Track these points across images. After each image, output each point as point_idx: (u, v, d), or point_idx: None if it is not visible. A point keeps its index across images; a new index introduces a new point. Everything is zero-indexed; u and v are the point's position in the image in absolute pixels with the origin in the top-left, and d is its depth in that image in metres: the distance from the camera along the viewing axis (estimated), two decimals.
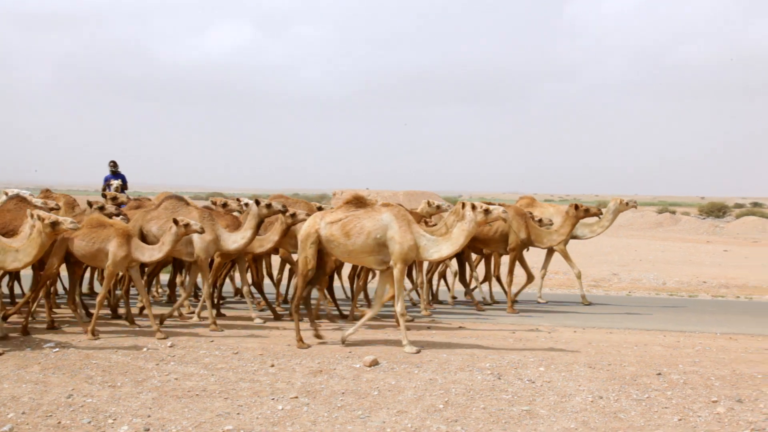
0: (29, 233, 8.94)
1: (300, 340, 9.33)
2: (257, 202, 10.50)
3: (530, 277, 13.41)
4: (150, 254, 9.84)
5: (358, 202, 9.55)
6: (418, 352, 8.96)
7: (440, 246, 9.22)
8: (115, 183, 16.23)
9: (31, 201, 10.85)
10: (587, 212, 13.13)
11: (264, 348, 9.15)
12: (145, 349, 8.86)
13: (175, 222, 9.73)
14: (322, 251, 9.55)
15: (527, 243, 13.13)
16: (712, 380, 7.85)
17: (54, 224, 8.36)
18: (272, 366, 8.18)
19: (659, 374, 8.06)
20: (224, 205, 12.59)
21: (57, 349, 8.74)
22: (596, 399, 7.11)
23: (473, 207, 9.13)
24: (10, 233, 9.38)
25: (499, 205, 9.60)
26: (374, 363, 8.33)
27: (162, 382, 7.48)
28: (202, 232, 9.89)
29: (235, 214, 12.24)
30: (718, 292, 16.56)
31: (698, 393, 7.35)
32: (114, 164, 17.45)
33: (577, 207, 13.03)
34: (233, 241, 10.62)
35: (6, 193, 11.66)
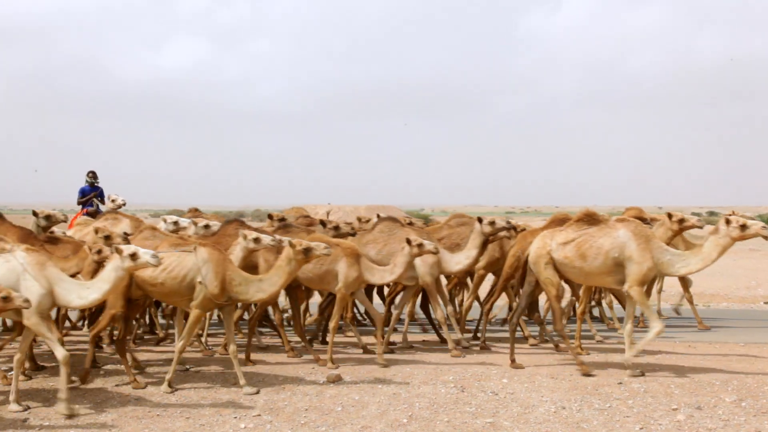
0: (241, 255, 8.61)
1: (513, 360, 9.01)
2: (480, 220, 9.77)
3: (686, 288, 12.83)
4: (381, 276, 9.31)
5: (591, 219, 8.94)
6: (642, 374, 8.48)
7: (688, 260, 8.59)
8: (119, 199, 13.52)
9: (250, 225, 10.29)
10: (743, 228, 11.56)
11: (226, 365, 9.03)
12: (102, 371, 8.69)
13: (408, 242, 9.13)
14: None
15: None
16: (672, 388, 7.95)
17: (306, 251, 7.79)
18: (234, 384, 8.08)
19: (620, 383, 8.14)
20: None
21: (11, 373, 8.50)
22: (559, 409, 7.15)
23: (727, 221, 8.39)
24: None
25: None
26: (337, 379, 8.29)
27: (122, 403, 7.35)
28: (436, 252, 9.28)
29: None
30: (676, 301, 16.80)
31: (659, 401, 7.44)
32: (93, 175, 15.41)
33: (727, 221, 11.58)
34: (456, 262, 9.90)
35: (165, 220, 10.88)
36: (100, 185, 15.44)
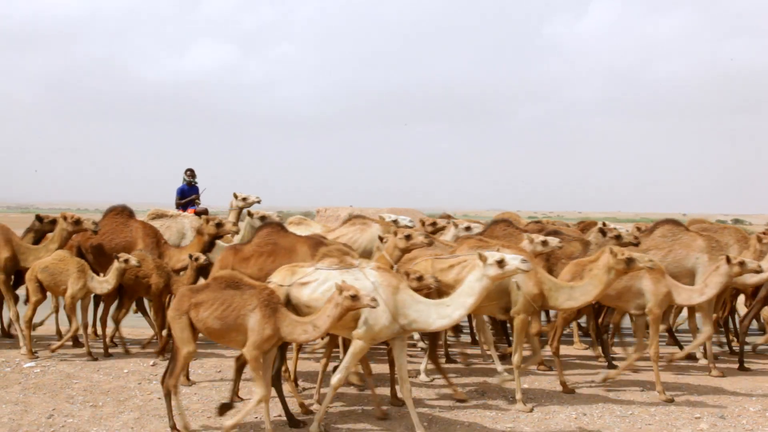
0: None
1: None
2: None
3: None
4: (688, 296, 8.04)
5: None
6: None
7: None
8: (252, 197, 11.77)
9: (519, 225, 9.75)
10: None
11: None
12: (126, 370, 8.75)
13: (728, 260, 7.82)
14: None
15: None
16: (696, 396, 7.88)
17: (629, 261, 6.94)
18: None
19: (642, 390, 8.08)
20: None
21: (38, 370, 8.63)
22: (580, 416, 7.11)
23: None
24: None
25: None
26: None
27: (144, 402, 7.41)
28: (760, 271, 7.92)
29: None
30: None
31: (681, 409, 7.37)
32: (191, 173, 14.32)
33: None
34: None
35: (384, 219, 10.31)
36: (197, 183, 14.42)
